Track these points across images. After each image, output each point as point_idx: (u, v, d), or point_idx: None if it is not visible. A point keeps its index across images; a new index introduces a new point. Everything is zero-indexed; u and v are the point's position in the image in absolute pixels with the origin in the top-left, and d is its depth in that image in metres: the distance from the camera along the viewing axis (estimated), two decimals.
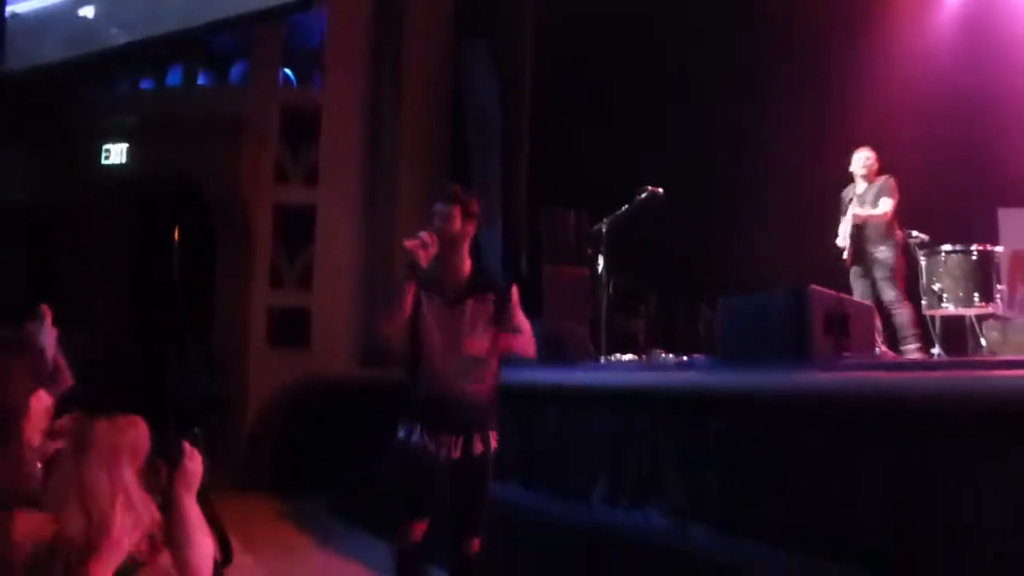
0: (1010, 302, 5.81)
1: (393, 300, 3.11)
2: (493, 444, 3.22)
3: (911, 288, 5.75)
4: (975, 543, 2.66)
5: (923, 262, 5.58)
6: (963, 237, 5.56)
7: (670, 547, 3.62)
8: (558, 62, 8.24)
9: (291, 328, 9.20)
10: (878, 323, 5.54)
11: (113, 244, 9.64)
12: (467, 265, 3.22)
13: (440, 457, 3.14)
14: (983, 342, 5.45)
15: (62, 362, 3.73)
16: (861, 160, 6.00)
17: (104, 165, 9.31)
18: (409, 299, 3.08)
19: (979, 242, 5.47)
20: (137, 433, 1.83)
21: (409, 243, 3.04)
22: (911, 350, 5.47)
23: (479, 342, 3.18)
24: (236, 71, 9.83)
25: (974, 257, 5.36)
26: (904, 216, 5.89)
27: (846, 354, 4.36)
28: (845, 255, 5.92)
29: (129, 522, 1.69)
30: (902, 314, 5.57)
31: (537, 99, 8.44)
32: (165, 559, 1.74)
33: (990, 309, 5.38)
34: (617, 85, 7.97)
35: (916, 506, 2.87)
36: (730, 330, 4.80)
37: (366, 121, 9.52)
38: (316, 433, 8.13)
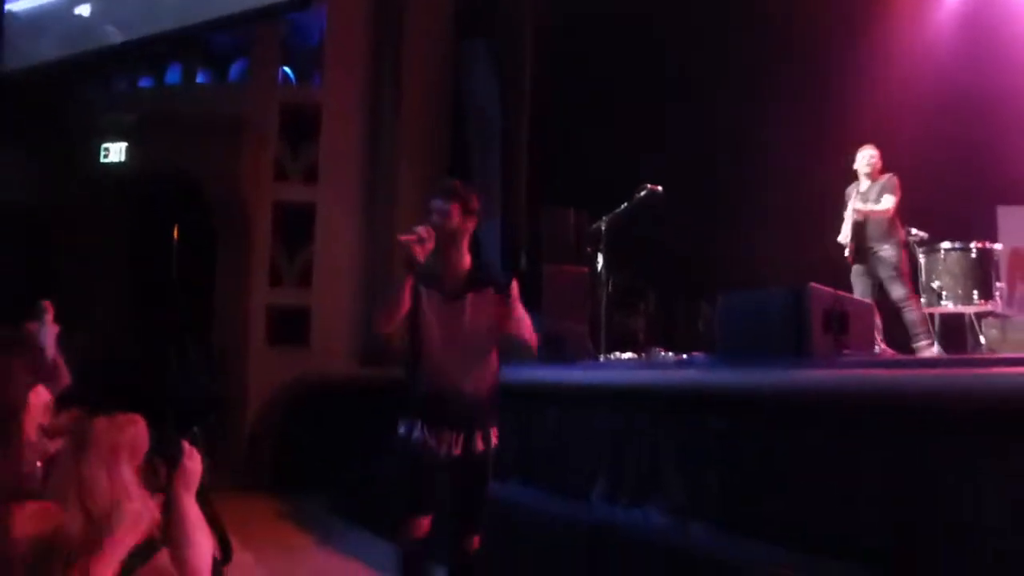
0: (1009, 299, 5.81)
1: (391, 295, 3.10)
2: (494, 441, 3.21)
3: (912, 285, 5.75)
4: (975, 540, 2.67)
5: (922, 260, 5.58)
6: (962, 235, 5.56)
7: (670, 545, 3.62)
8: (558, 61, 8.24)
9: (291, 327, 9.20)
10: (878, 321, 5.55)
11: (112, 243, 9.64)
12: (466, 261, 3.21)
13: (441, 454, 3.13)
14: (982, 340, 5.46)
15: (60, 361, 3.74)
16: (865, 158, 5.99)
17: (103, 164, 9.30)
18: (407, 294, 3.07)
19: (978, 240, 5.47)
20: (136, 431, 1.83)
21: (404, 237, 3.03)
22: (923, 347, 5.46)
23: (479, 337, 3.18)
24: (235, 69, 9.83)
25: (973, 255, 5.36)
26: (903, 214, 5.89)
27: (845, 352, 4.37)
28: (847, 253, 5.92)
29: (128, 520, 1.69)
30: (912, 312, 5.55)
31: (537, 98, 8.44)
32: (164, 558, 1.74)
33: (989, 307, 5.38)
34: (617, 84, 7.97)
35: (916, 503, 2.87)
36: (729, 327, 4.80)
37: (366, 120, 9.52)
38: (316, 432, 8.13)
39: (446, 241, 3.13)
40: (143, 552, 1.70)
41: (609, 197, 6.40)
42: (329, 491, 7.41)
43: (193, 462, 1.89)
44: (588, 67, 7.98)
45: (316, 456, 7.83)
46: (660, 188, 6.16)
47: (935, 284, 5.41)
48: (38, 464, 2.06)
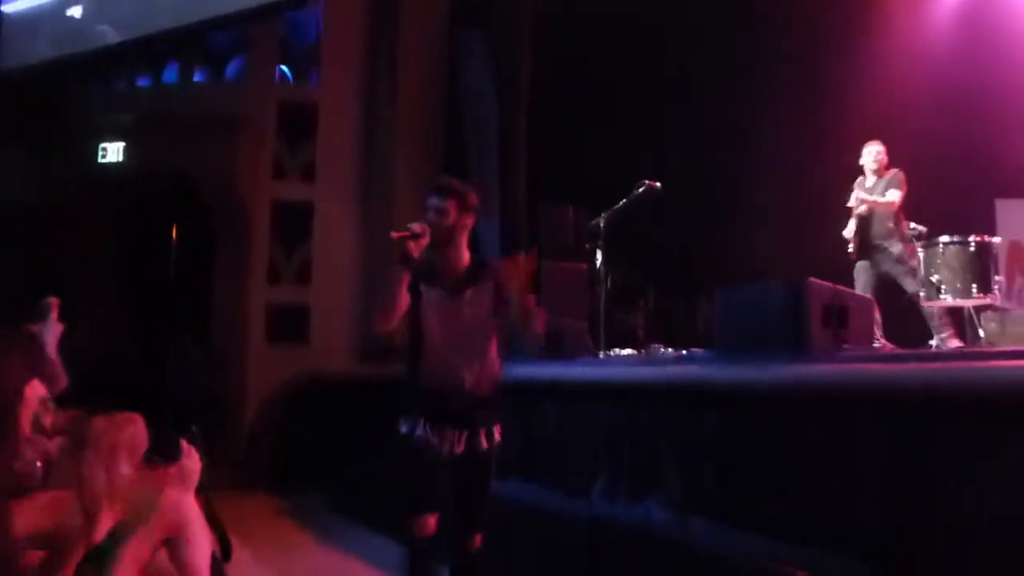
0: (1008, 293, 5.82)
1: (387, 293, 3.08)
2: (497, 438, 3.20)
3: None
4: (975, 535, 2.67)
5: (921, 254, 5.58)
6: (961, 228, 5.56)
7: (670, 540, 3.62)
8: (555, 57, 8.24)
9: (290, 324, 9.20)
10: (877, 316, 5.55)
11: (110, 242, 9.63)
12: (465, 257, 3.20)
13: (443, 452, 3.11)
14: (981, 333, 5.46)
15: (59, 363, 3.72)
16: (872, 154, 5.99)
17: (100, 163, 9.29)
18: (403, 291, 3.06)
19: (977, 233, 5.46)
20: (135, 430, 1.83)
21: (396, 234, 3.02)
22: (945, 338, 5.46)
23: (480, 333, 3.17)
24: (232, 68, 9.81)
25: (972, 248, 5.36)
26: (906, 209, 5.89)
27: (844, 347, 4.37)
28: (851, 248, 5.93)
29: (151, 518, 1.69)
30: (928, 305, 5.56)
31: (534, 94, 8.43)
32: (163, 556, 1.75)
33: (988, 300, 5.38)
34: (615, 80, 7.97)
35: (915, 498, 2.87)
36: (728, 322, 4.80)
37: (363, 117, 9.51)
38: (315, 429, 8.13)
39: (444, 238, 3.12)
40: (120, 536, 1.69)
41: (608, 194, 6.40)
42: (329, 488, 7.41)
43: (191, 461, 1.89)
44: (586, 62, 7.97)
45: (316, 454, 7.84)
46: (659, 184, 6.15)
47: (934, 278, 5.40)
48: (38, 464, 2.06)
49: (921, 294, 5.53)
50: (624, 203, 6.16)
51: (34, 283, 7.64)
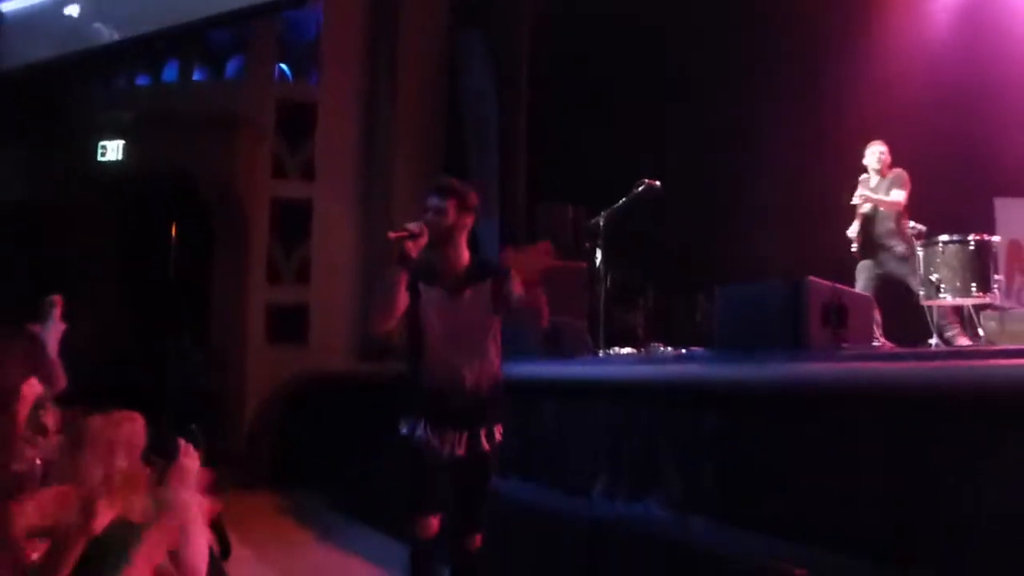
0: (1007, 291, 5.82)
1: (385, 294, 3.07)
2: (498, 438, 3.18)
3: None
4: (974, 533, 2.67)
5: (920, 253, 5.58)
6: (960, 227, 5.56)
7: (670, 539, 3.62)
8: (555, 56, 8.23)
9: (289, 324, 9.20)
10: (877, 316, 5.55)
11: (109, 241, 9.62)
12: (465, 257, 3.19)
13: (444, 454, 3.10)
14: (981, 332, 5.46)
15: (59, 365, 3.71)
16: (875, 154, 5.98)
17: (100, 162, 9.29)
18: (402, 291, 3.05)
19: (976, 232, 5.46)
20: (133, 428, 1.83)
21: (393, 234, 3.01)
22: (953, 336, 5.46)
23: (480, 333, 3.16)
24: (232, 66, 9.81)
25: (971, 247, 5.36)
26: (906, 207, 5.89)
27: (844, 345, 4.37)
28: (854, 248, 5.93)
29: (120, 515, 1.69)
30: (928, 304, 5.56)
31: (534, 94, 8.43)
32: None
33: (987, 299, 5.38)
34: (615, 80, 7.97)
35: (914, 496, 2.88)
36: (727, 321, 4.81)
37: (362, 116, 9.51)
38: (315, 428, 8.13)
39: (443, 238, 3.11)
40: (136, 546, 1.70)
41: (607, 193, 6.40)
42: (329, 487, 7.41)
43: (189, 459, 1.89)
44: (586, 62, 7.97)
45: (315, 452, 7.84)
46: (658, 183, 6.15)
47: (933, 277, 5.40)
48: (37, 461, 2.07)
49: (921, 293, 5.53)
50: (624, 202, 6.16)
51: (33, 281, 7.64)
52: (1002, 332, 5.42)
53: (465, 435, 3.11)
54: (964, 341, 5.39)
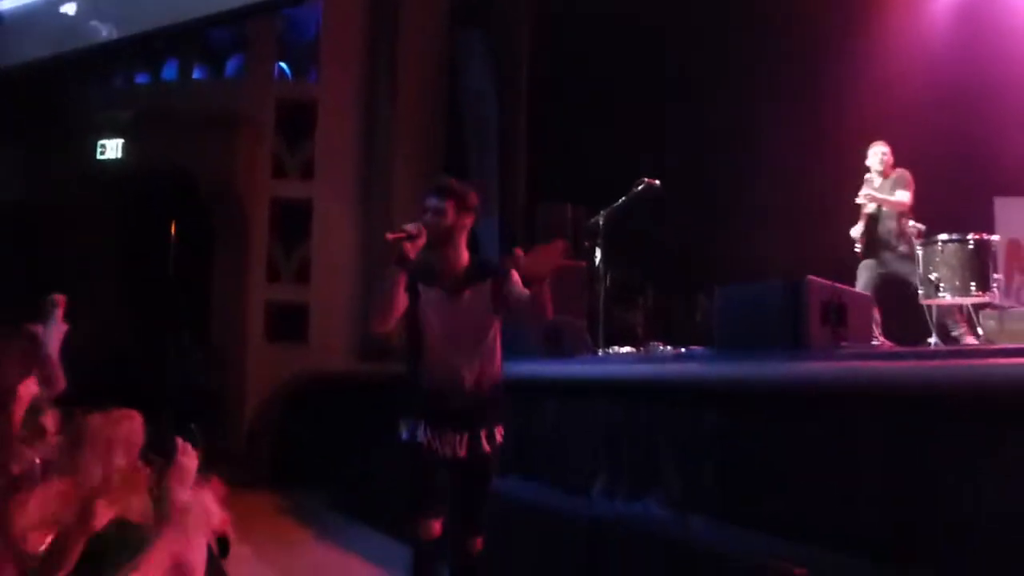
0: (1006, 291, 5.81)
1: (383, 294, 3.06)
2: (498, 439, 3.16)
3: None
4: (973, 532, 2.67)
5: (920, 252, 5.58)
6: (960, 226, 5.56)
7: (669, 538, 3.62)
8: (555, 56, 8.23)
9: (289, 323, 9.21)
10: (876, 315, 5.55)
11: (109, 240, 9.62)
12: (464, 257, 3.18)
13: (445, 456, 3.09)
14: (980, 331, 5.46)
15: (58, 365, 3.70)
16: (877, 155, 5.99)
17: (99, 160, 9.29)
18: (400, 292, 3.04)
19: (975, 231, 5.46)
20: (132, 427, 1.83)
21: (391, 235, 3.00)
22: (961, 335, 5.47)
23: (480, 333, 3.15)
24: (231, 65, 9.81)
25: (970, 246, 5.36)
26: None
27: (843, 344, 4.37)
28: (857, 248, 5.93)
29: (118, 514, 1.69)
30: (928, 303, 5.56)
31: (534, 94, 8.43)
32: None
33: (987, 298, 5.38)
34: (615, 80, 7.96)
35: (914, 495, 2.88)
36: (727, 320, 4.80)
37: (362, 115, 9.52)
38: (315, 427, 8.13)
39: (442, 238, 3.10)
40: (135, 545, 1.70)
41: (607, 192, 6.40)
42: (328, 486, 7.41)
43: (188, 458, 1.89)
44: (586, 62, 7.97)
45: (315, 452, 7.84)
46: (657, 182, 6.14)
47: (933, 276, 5.40)
48: (37, 461, 2.06)
49: (920, 292, 5.53)
50: (623, 201, 6.15)
51: (32, 281, 7.64)
52: (1001, 331, 5.42)
53: (466, 436, 3.09)
54: (972, 341, 5.39)
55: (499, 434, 3.17)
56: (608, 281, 6.45)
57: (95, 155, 9.28)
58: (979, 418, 2.73)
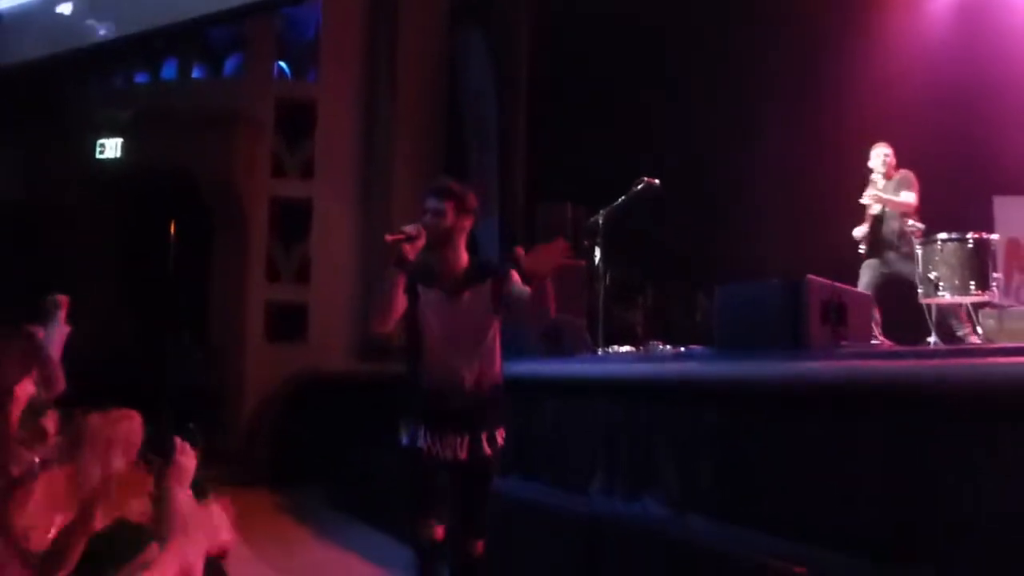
0: (1006, 290, 5.81)
1: (383, 296, 3.05)
2: (500, 442, 3.15)
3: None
4: (973, 531, 2.68)
5: (919, 251, 5.58)
6: (959, 226, 5.55)
7: (668, 537, 3.62)
8: (555, 56, 8.22)
9: (288, 322, 9.21)
10: (877, 315, 5.55)
11: (108, 239, 9.62)
12: (463, 258, 3.17)
13: (447, 459, 3.07)
14: (979, 330, 5.46)
15: (58, 367, 3.69)
16: (879, 157, 5.98)
17: (98, 160, 9.29)
18: (400, 293, 3.03)
19: (975, 230, 5.46)
20: (131, 427, 1.83)
21: (390, 237, 2.99)
22: (966, 335, 5.47)
23: (480, 335, 3.14)
24: (231, 64, 9.81)
25: (970, 245, 5.35)
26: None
27: (843, 344, 4.37)
28: (861, 249, 5.92)
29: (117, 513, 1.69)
30: (955, 308, 5.56)
31: (534, 94, 8.42)
32: (155, 549, 1.75)
33: (986, 297, 5.38)
34: (615, 80, 7.96)
35: (914, 494, 2.88)
36: (727, 319, 4.80)
37: (362, 115, 9.51)
38: (314, 427, 8.14)
39: (442, 240, 3.09)
40: (135, 544, 1.70)
41: (607, 191, 6.39)
42: (328, 486, 7.42)
43: (186, 457, 1.89)
44: (586, 62, 7.96)
45: (314, 451, 7.84)
46: (657, 181, 6.14)
47: (932, 275, 5.40)
48: (36, 461, 2.06)
49: (920, 291, 5.53)
50: (623, 200, 6.15)
51: (31, 280, 7.64)
52: (1001, 330, 5.42)
53: (466, 439, 3.08)
54: (976, 341, 5.39)
55: (500, 437, 3.16)
56: (608, 280, 6.45)
57: (94, 154, 9.28)
58: (979, 417, 2.73)
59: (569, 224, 7.39)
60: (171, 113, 9.15)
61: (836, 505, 3.12)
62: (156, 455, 1.84)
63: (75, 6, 9.34)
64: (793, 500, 3.31)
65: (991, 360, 3.16)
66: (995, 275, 5.33)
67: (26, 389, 2.09)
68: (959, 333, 5.49)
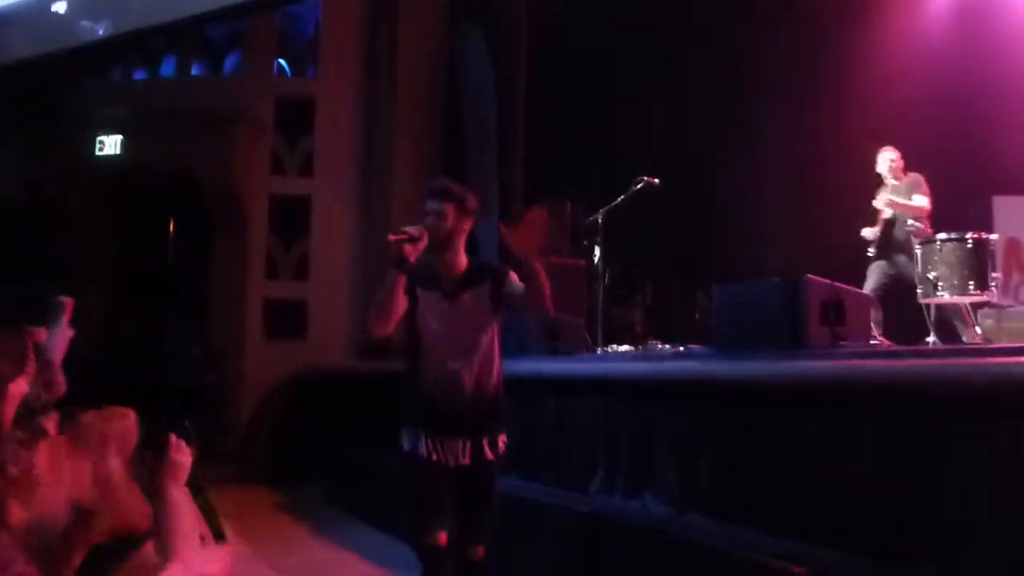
0: (1005, 289, 5.82)
1: (382, 297, 3.04)
2: (501, 448, 3.14)
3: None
4: (974, 528, 2.68)
5: (918, 251, 5.58)
6: (958, 225, 5.56)
7: (669, 536, 3.62)
8: (555, 55, 8.21)
9: (287, 320, 9.20)
10: (878, 315, 5.56)
11: (107, 237, 9.61)
12: (463, 260, 3.17)
13: (450, 465, 3.06)
14: (978, 330, 5.46)
15: (59, 369, 3.67)
16: (886, 162, 5.99)
17: (98, 157, 9.27)
18: (400, 295, 3.02)
19: (974, 230, 5.46)
20: (126, 425, 1.83)
21: (393, 237, 2.98)
22: (971, 337, 5.48)
23: (480, 337, 3.14)
24: (230, 62, 9.80)
25: (969, 245, 5.36)
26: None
27: (842, 343, 4.37)
28: (871, 250, 5.92)
29: (113, 511, 1.69)
30: (959, 308, 5.56)
31: (533, 91, 8.42)
32: (150, 548, 1.74)
33: (985, 297, 5.38)
34: (615, 78, 7.96)
35: (912, 493, 2.88)
36: (726, 318, 4.80)
37: (361, 112, 9.50)
38: (313, 424, 8.13)
39: (442, 242, 3.08)
40: (125, 546, 1.70)
41: (606, 191, 6.39)
42: (327, 483, 7.41)
43: (181, 455, 1.88)
44: (586, 61, 7.95)
45: (313, 448, 7.84)
46: (657, 180, 6.15)
47: (931, 275, 5.41)
48: (35, 462, 2.06)
49: (919, 291, 5.53)
50: (622, 199, 6.15)
51: (30, 278, 7.63)
52: (999, 330, 5.43)
53: (468, 444, 3.07)
54: (978, 341, 5.40)
55: (502, 442, 3.15)
56: (607, 279, 6.46)
57: (93, 151, 9.26)
58: (978, 417, 2.73)
59: (568, 223, 7.39)
60: (170, 110, 9.14)
61: (836, 504, 3.12)
62: (152, 452, 1.84)
63: (74, 3, 9.32)
64: (793, 499, 3.31)
65: (990, 360, 3.16)
66: (994, 275, 5.33)
67: (20, 387, 2.08)
68: (965, 338, 5.49)
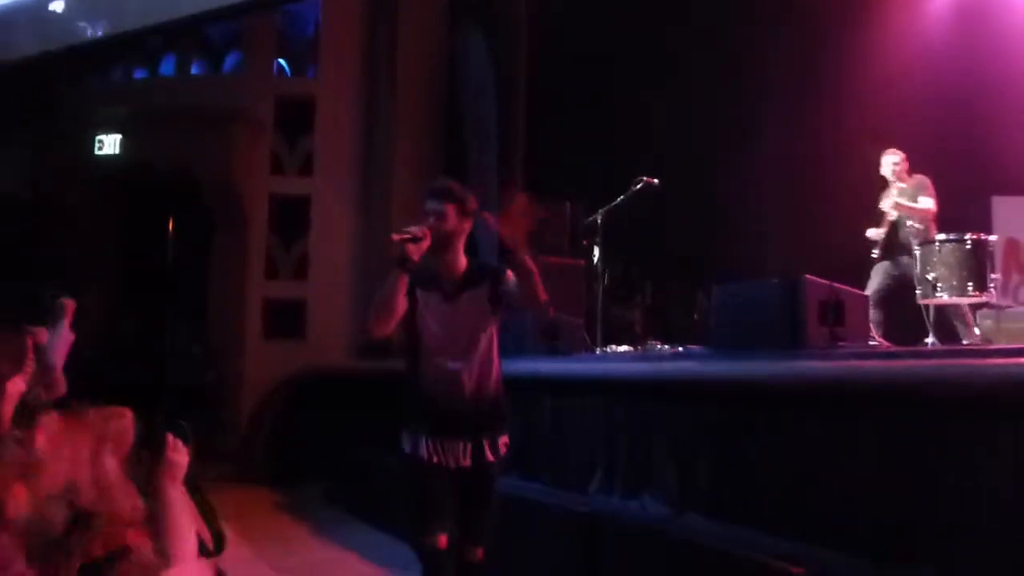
0: (1004, 290, 5.82)
1: (384, 297, 3.04)
2: (502, 451, 3.13)
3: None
4: (974, 529, 2.68)
5: (917, 251, 5.58)
6: (957, 226, 5.56)
7: (668, 536, 3.62)
8: (555, 55, 8.21)
9: (287, 319, 9.20)
10: (878, 315, 5.56)
11: (107, 236, 9.61)
12: (462, 261, 3.17)
13: (450, 467, 3.05)
14: (977, 331, 5.46)
15: (59, 371, 3.66)
16: (889, 164, 5.99)
17: (97, 156, 9.27)
18: (402, 295, 3.02)
19: (973, 231, 5.46)
20: (123, 424, 1.82)
21: (397, 236, 2.98)
22: (970, 336, 5.48)
23: (479, 338, 3.13)
24: (230, 61, 9.79)
25: (968, 246, 5.35)
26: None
27: (840, 344, 4.37)
28: (875, 252, 5.92)
29: (110, 512, 1.69)
30: (961, 308, 5.56)
31: (533, 91, 8.41)
32: (147, 549, 1.74)
33: (984, 298, 5.38)
34: (615, 79, 7.95)
35: (911, 493, 2.88)
36: (724, 319, 4.81)
37: (361, 112, 9.50)
38: (313, 424, 8.13)
39: (443, 243, 3.08)
40: (124, 547, 1.69)
41: (606, 191, 6.39)
42: (326, 483, 7.41)
43: (178, 455, 1.88)
44: (586, 61, 7.95)
45: (313, 448, 7.84)
46: (656, 180, 6.15)
47: (930, 276, 5.40)
48: (33, 461, 2.06)
49: (918, 291, 5.53)
50: (622, 199, 6.15)
51: (29, 277, 7.63)
52: (998, 330, 5.43)
53: (469, 446, 3.06)
54: (979, 342, 5.40)
55: (503, 445, 3.15)
56: (606, 279, 6.46)
57: (93, 150, 9.26)
58: (978, 417, 2.73)
59: (568, 223, 7.39)
60: (170, 110, 9.14)
61: (835, 504, 3.12)
62: (149, 452, 1.84)
63: (73, 2, 9.32)
64: (792, 499, 3.31)
65: (989, 361, 3.16)
66: (993, 276, 5.33)
67: (18, 386, 2.08)
68: (966, 341, 5.48)
